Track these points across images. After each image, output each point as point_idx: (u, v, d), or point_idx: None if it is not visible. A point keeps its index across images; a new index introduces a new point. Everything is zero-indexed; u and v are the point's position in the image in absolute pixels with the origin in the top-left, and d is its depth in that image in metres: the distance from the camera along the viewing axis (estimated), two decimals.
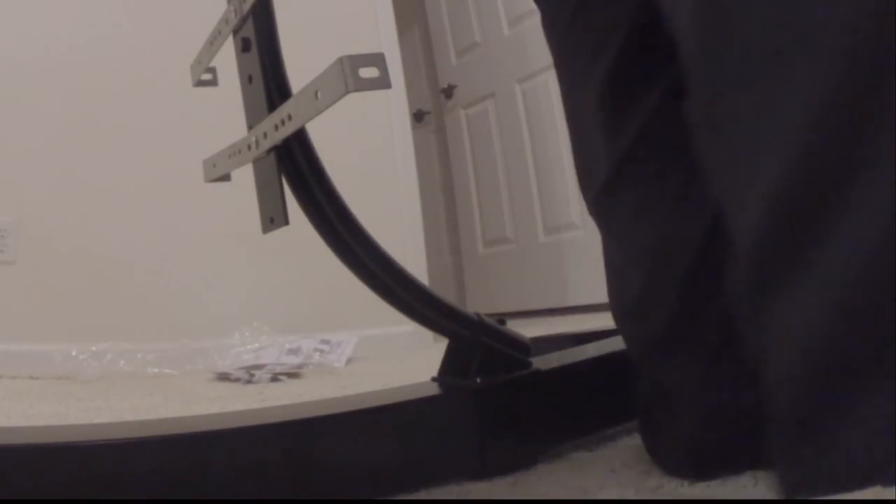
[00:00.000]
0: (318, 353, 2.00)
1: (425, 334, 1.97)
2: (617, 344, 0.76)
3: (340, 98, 0.48)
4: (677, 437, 0.65)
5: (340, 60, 0.47)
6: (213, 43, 0.75)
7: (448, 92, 3.50)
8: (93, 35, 2.12)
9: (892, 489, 0.43)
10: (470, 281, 3.56)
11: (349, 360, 2.02)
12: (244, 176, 0.72)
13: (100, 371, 1.82)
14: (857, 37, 0.46)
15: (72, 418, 1.27)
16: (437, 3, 3.51)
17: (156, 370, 1.89)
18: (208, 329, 2.03)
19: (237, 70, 0.70)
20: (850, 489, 0.44)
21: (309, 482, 0.65)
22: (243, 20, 0.67)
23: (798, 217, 0.48)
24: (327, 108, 0.50)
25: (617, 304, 0.71)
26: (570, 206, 2.95)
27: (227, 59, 0.73)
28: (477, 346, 0.74)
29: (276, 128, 0.59)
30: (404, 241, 2.44)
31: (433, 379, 0.78)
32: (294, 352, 1.99)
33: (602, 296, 0.73)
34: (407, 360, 1.93)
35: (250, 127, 0.67)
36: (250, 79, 0.68)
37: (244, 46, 0.68)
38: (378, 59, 0.47)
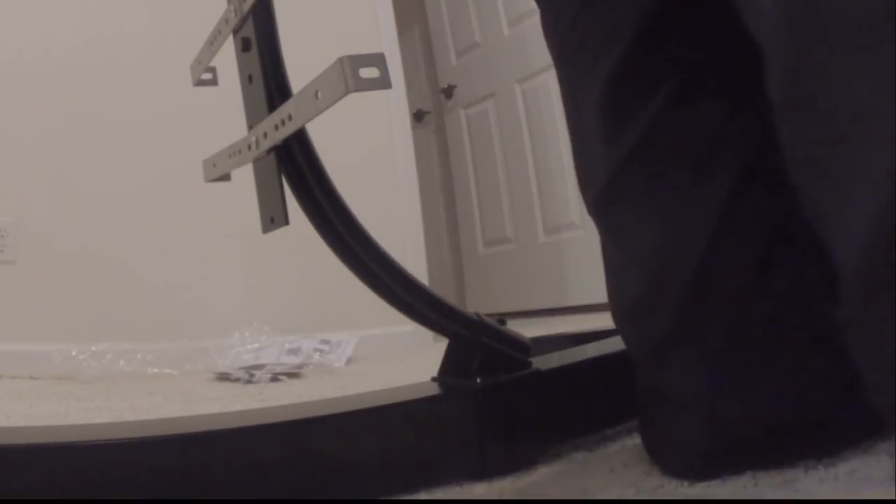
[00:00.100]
0: (318, 353, 2.00)
1: (425, 334, 1.97)
2: (617, 344, 0.76)
3: (341, 98, 0.48)
4: (678, 439, 0.64)
5: (341, 60, 0.47)
6: (213, 43, 0.75)
7: (448, 92, 3.50)
8: (93, 35, 2.12)
9: None
10: (470, 281, 3.56)
11: (349, 360, 2.01)
12: (244, 176, 0.72)
13: (100, 371, 1.82)
14: None
15: (72, 418, 1.27)
16: (437, 3, 3.51)
17: (156, 370, 1.89)
18: (208, 329, 2.03)
19: (237, 70, 0.70)
20: None
21: (309, 482, 0.65)
22: (243, 20, 0.67)
23: None
24: (327, 108, 0.50)
25: (617, 304, 0.71)
26: (570, 206, 2.95)
27: (227, 59, 0.73)
28: (477, 346, 0.74)
29: (277, 128, 0.59)
30: (404, 241, 2.44)
31: (433, 379, 0.78)
32: (294, 352, 1.99)
33: (602, 296, 0.73)
34: (407, 360, 1.93)
35: (250, 127, 0.67)
36: (250, 79, 0.68)
37: (244, 46, 0.68)
38: (378, 60, 0.47)
